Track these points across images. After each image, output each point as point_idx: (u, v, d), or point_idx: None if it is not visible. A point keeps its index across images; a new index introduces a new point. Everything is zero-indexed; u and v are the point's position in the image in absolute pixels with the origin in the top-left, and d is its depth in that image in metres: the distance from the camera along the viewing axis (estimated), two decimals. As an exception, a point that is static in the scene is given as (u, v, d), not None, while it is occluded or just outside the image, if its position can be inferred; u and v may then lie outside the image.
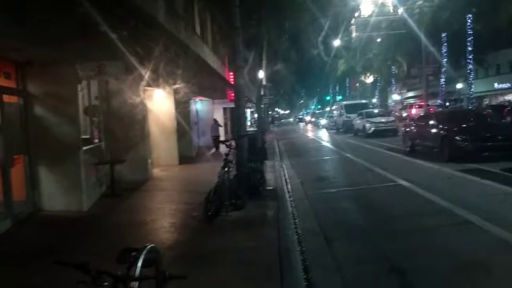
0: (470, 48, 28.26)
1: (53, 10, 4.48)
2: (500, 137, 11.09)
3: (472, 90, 29.66)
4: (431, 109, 24.46)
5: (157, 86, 11.68)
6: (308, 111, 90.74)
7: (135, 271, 2.33)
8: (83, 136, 8.34)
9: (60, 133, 7.47)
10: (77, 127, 7.74)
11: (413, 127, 14.98)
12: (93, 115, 9.66)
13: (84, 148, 8.09)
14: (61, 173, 7.50)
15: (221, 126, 20.50)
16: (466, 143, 11.15)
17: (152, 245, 2.79)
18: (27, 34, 5.42)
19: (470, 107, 28.34)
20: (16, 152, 7.04)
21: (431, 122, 13.37)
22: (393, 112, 35.65)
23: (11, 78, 6.98)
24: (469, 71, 29.43)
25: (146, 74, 8.54)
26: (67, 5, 4.25)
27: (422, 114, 19.46)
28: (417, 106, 32.87)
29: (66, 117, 7.55)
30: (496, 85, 34.01)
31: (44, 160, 7.47)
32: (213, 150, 18.14)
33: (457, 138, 11.43)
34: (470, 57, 28.74)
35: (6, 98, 6.68)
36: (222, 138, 19.77)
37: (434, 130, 12.85)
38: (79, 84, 8.11)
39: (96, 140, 9.68)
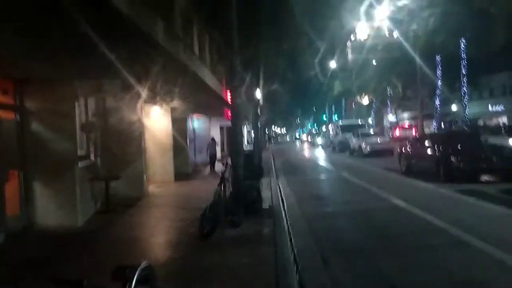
0: (464, 71, 28.72)
1: (52, 29, 4.55)
2: (495, 158, 11.18)
3: (467, 112, 29.99)
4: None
5: (154, 103, 11.77)
6: (305, 130, 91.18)
7: None
8: (80, 152, 8.33)
9: (56, 149, 7.46)
10: (74, 144, 7.73)
11: (409, 147, 15.08)
12: (90, 132, 9.67)
13: (80, 164, 8.07)
14: (56, 189, 7.46)
15: (218, 145, 20.33)
16: (461, 164, 11.23)
17: (147, 262, 2.78)
18: (26, 51, 5.48)
19: (464, 129, 28.59)
20: (11, 167, 7.01)
21: (427, 142, 13.48)
22: (390, 132, 36.01)
23: (8, 94, 7.03)
24: (463, 93, 29.82)
25: (144, 92, 8.61)
26: (67, 25, 4.31)
27: (416, 136, 19.61)
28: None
29: (63, 134, 7.56)
30: (490, 107, 34.42)
31: (40, 176, 7.45)
32: (209, 170, 17.83)
33: (452, 158, 11.51)
34: (464, 79, 29.18)
35: (2, 114, 6.70)
36: (218, 155, 19.83)
37: (429, 151, 12.94)
38: (76, 101, 8.16)
39: (92, 156, 9.66)
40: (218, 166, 16.48)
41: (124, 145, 10.56)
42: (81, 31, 4.33)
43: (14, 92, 7.16)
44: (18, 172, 7.25)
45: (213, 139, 19.65)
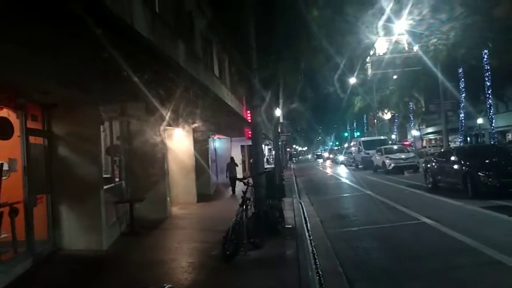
0: (488, 83, 28.12)
1: (78, 54, 4.73)
2: (525, 172, 10.77)
3: (493, 125, 29.21)
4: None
5: (177, 125, 11.96)
6: (326, 147, 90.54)
7: (154, 311, 2.32)
8: (104, 175, 8.49)
9: (82, 173, 7.63)
10: (99, 167, 7.90)
11: (434, 163, 14.72)
12: (115, 154, 9.87)
13: (105, 187, 8.22)
14: (82, 212, 7.59)
15: (237, 165, 18.31)
16: (490, 179, 10.86)
17: (170, 285, 2.78)
18: (54, 78, 5.70)
19: (492, 142, 27.82)
20: (40, 191, 7.18)
21: (453, 158, 13.13)
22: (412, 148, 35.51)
23: (37, 120, 7.27)
24: (488, 106, 29.12)
25: (167, 115, 8.77)
26: (92, 50, 4.47)
27: (443, 150, 19.14)
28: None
29: (88, 157, 7.73)
30: (518, 119, 33.48)
31: (66, 199, 7.60)
32: (230, 192, 16.79)
33: (480, 173, 11.16)
34: (489, 92, 28.54)
35: (32, 139, 6.93)
36: (240, 176, 18.83)
37: (456, 166, 12.59)
38: (101, 125, 8.37)
39: (117, 179, 9.83)
40: (239, 188, 15.58)
41: (147, 167, 10.72)
42: (105, 55, 4.48)
43: (42, 117, 7.40)
44: (46, 196, 7.43)
45: (232, 159, 18.17)
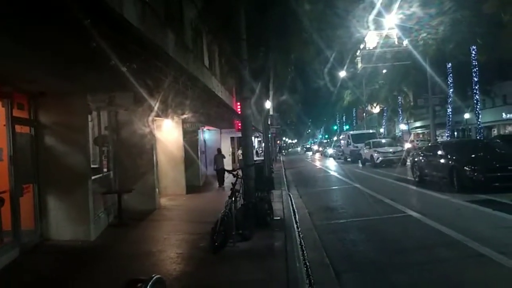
0: (476, 79, 28.44)
1: (66, 43, 4.64)
2: (510, 167, 10.96)
3: (480, 120, 29.62)
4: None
5: (166, 116, 11.87)
6: (315, 140, 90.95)
7: (142, 302, 2.31)
8: (92, 166, 8.41)
9: (69, 163, 7.55)
10: (87, 157, 7.82)
11: (421, 157, 14.90)
12: (103, 145, 9.78)
13: (93, 177, 8.15)
14: (69, 203, 7.53)
15: (225, 157, 17.57)
16: (475, 173, 11.04)
17: (158, 276, 2.77)
18: (41, 66, 5.60)
19: (478, 137, 28.23)
20: (26, 181, 7.10)
21: (439, 152, 13.30)
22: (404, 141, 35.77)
23: (23, 108, 7.15)
24: (475, 101, 29.48)
25: (155, 105, 8.70)
26: (80, 39, 4.40)
27: (430, 144, 19.38)
28: None
29: (76, 147, 7.65)
30: (504, 115, 33.92)
31: (53, 189, 7.53)
32: (218, 186, 16.13)
33: (466, 168, 11.34)
34: (477, 87, 28.88)
35: (18, 128, 6.82)
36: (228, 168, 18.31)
37: (442, 160, 12.77)
38: (89, 115, 8.27)
39: (105, 170, 9.75)
40: (229, 179, 15.42)
41: (136, 158, 10.65)
42: (93, 45, 4.41)
43: (28, 106, 7.29)
44: (33, 186, 7.34)
45: (219, 151, 17.42)
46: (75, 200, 7.55)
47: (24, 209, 6.87)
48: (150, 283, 2.63)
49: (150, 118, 10.25)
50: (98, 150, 9.60)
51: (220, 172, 16.01)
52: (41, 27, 4.07)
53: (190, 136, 15.84)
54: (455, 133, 35.12)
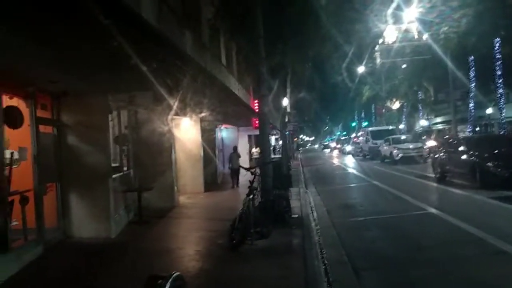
0: (499, 72, 27.67)
1: (86, 43, 4.74)
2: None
3: (503, 114, 28.83)
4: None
5: (184, 115, 11.98)
6: (333, 137, 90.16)
7: (162, 298, 2.35)
8: (113, 164, 8.56)
9: (91, 162, 7.71)
10: (108, 156, 7.97)
11: (442, 153, 14.61)
12: (123, 143, 9.94)
13: (114, 176, 8.30)
14: (91, 201, 7.69)
15: (240, 156, 16.73)
16: (498, 169, 10.77)
17: (178, 273, 2.82)
18: (63, 67, 5.73)
19: (502, 132, 27.50)
20: (49, 180, 7.28)
21: (461, 148, 13.02)
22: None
23: (47, 109, 7.33)
24: (499, 95, 28.69)
25: (174, 104, 8.79)
26: (100, 39, 4.49)
27: (451, 140, 19.00)
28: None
29: (97, 146, 7.81)
30: (529, 109, 32.94)
31: (75, 188, 7.70)
32: (232, 186, 15.52)
33: (489, 164, 11.07)
34: (500, 81, 28.10)
35: (42, 128, 7.00)
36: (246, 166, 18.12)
37: (464, 156, 12.49)
38: (110, 114, 8.42)
39: (125, 168, 9.91)
40: (246, 177, 14.66)
41: (155, 157, 10.79)
42: (114, 45, 4.49)
43: (51, 106, 7.47)
44: (56, 185, 7.53)
45: (235, 149, 16.76)
46: (96, 198, 7.71)
47: (47, 208, 7.05)
48: (170, 280, 2.68)
49: (169, 117, 10.36)
50: (118, 149, 9.77)
51: (235, 172, 15.54)
52: (61, 27, 4.16)
53: (207, 135, 15.94)
54: (477, 128, 34.24)
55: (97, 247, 7.15)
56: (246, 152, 23.96)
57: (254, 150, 24.12)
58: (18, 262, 5.86)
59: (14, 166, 6.27)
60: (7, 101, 6.12)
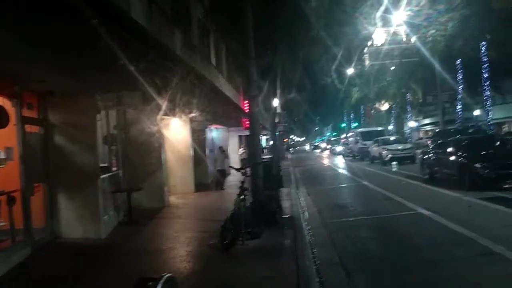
0: (486, 75, 28.11)
1: (74, 43, 4.66)
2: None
3: (490, 116, 29.28)
4: None
5: (174, 115, 11.88)
6: (323, 138, 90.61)
7: (154, 301, 2.31)
8: (102, 165, 8.45)
9: (79, 162, 7.60)
10: (96, 156, 7.86)
11: (431, 154, 14.75)
12: (112, 143, 9.82)
13: (102, 176, 8.19)
14: (79, 201, 7.58)
15: (227, 157, 16.15)
16: (486, 171, 10.90)
17: (169, 274, 2.77)
18: (50, 66, 5.63)
19: (489, 134, 27.92)
20: (36, 180, 7.16)
21: (450, 149, 13.16)
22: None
23: (33, 108, 7.21)
24: (486, 97, 29.14)
25: (163, 104, 8.71)
26: (88, 39, 4.41)
27: (440, 141, 19.21)
28: None
29: (85, 146, 7.70)
30: (514, 111, 33.52)
31: (63, 188, 7.58)
32: (220, 187, 14.69)
33: (477, 165, 11.20)
34: (487, 83, 28.54)
35: (28, 127, 6.87)
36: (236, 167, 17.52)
37: (452, 157, 12.62)
38: (98, 114, 8.31)
39: (114, 168, 9.79)
40: (229, 184, 14.05)
41: (144, 157, 10.69)
42: (101, 44, 4.42)
43: (38, 106, 7.34)
44: (43, 185, 7.40)
45: (221, 149, 16.20)
46: (85, 199, 7.60)
47: (35, 208, 6.93)
48: (161, 281, 2.63)
49: (158, 117, 10.28)
50: (107, 149, 9.64)
51: (222, 173, 14.97)
52: (49, 26, 4.08)
53: (198, 135, 15.85)
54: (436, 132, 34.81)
55: (86, 248, 7.04)
56: (238, 152, 23.91)
57: (241, 150, 24.07)
58: (6, 263, 5.75)
59: (0, 166, 6.14)
60: (-8, 100, 5.99)
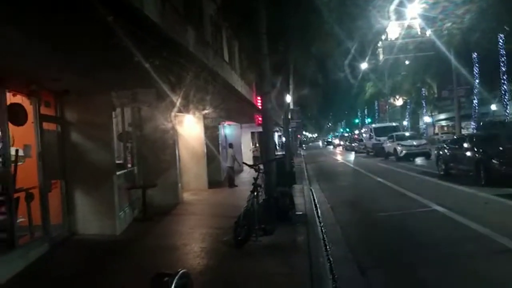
0: (504, 68, 27.52)
1: (89, 41, 4.73)
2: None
3: (508, 111, 28.70)
4: None
5: (187, 112, 11.97)
6: (336, 134, 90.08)
7: (169, 296, 2.35)
8: (117, 161, 8.57)
9: (95, 159, 7.71)
10: (111, 153, 7.97)
11: (446, 150, 14.55)
12: (127, 141, 9.94)
13: (118, 173, 8.30)
14: (95, 198, 7.70)
15: (235, 155, 15.60)
16: (504, 167, 10.70)
17: (184, 270, 2.81)
18: (66, 65, 5.72)
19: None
20: (54, 177, 7.29)
21: (466, 144, 12.96)
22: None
23: (50, 106, 7.34)
24: (503, 92, 28.56)
25: (177, 101, 8.78)
26: (103, 37, 4.47)
27: (456, 137, 18.92)
28: None
29: (100, 143, 7.81)
30: (533, 105, 32.75)
31: (80, 185, 7.71)
32: (234, 184, 14.54)
33: (494, 161, 11.01)
34: (504, 77, 27.95)
35: (45, 125, 7.00)
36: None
37: (468, 153, 12.43)
38: (113, 111, 8.42)
39: (129, 165, 9.92)
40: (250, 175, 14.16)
41: (159, 154, 10.79)
42: (115, 43, 4.47)
43: (55, 104, 7.47)
44: (60, 182, 7.54)
45: (231, 146, 15.87)
46: (101, 195, 7.71)
47: (53, 205, 7.06)
48: (176, 277, 2.68)
49: (172, 114, 10.36)
50: (122, 146, 9.77)
51: (231, 171, 14.78)
52: (63, 26, 4.15)
53: (211, 132, 15.93)
54: (481, 125, 34.17)
55: (102, 244, 7.16)
56: (250, 149, 23.94)
57: (252, 147, 24.07)
58: (25, 259, 5.88)
59: (19, 163, 6.27)
60: (11, 99, 6.12)
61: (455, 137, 19.84)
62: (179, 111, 10.63)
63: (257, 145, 25.90)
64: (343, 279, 4.94)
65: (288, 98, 21.97)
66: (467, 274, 4.92)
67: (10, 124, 6.04)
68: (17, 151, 6.29)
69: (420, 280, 4.89)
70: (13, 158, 6.07)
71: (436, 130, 47.20)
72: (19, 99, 6.35)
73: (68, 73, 6.21)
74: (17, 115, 6.26)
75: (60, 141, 7.61)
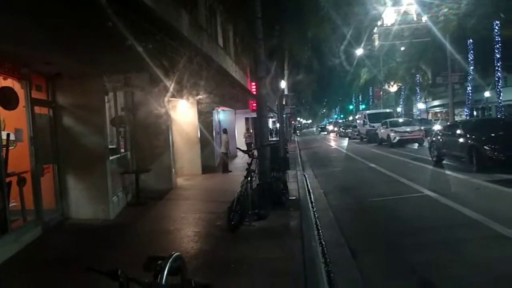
0: (498, 55, 27.52)
1: (82, 24, 4.64)
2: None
3: (501, 98, 28.81)
4: None
5: (181, 97, 11.88)
6: (331, 120, 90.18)
7: (162, 278, 2.36)
8: (110, 146, 8.53)
9: (87, 143, 7.67)
10: (104, 137, 7.92)
11: (439, 137, 14.64)
12: (120, 125, 9.88)
13: (111, 157, 8.27)
14: (88, 182, 7.68)
15: (228, 140, 15.45)
16: (495, 153, 10.81)
17: (177, 253, 2.82)
18: (58, 48, 5.63)
19: (499, 116, 27.54)
20: (46, 161, 7.25)
21: (458, 131, 13.04)
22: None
23: (42, 90, 7.25)
24: (497, 78, 28.61)
25: (171, 86, 8.71)
26: (96, 19, 4.39)
27: (449, 123, 19.00)
28: None
29: (93, 128, 7.75)
30: (527, 93, 32.89)
31: (72, 170, 7.68)
32: (227, 169, 14.43)
33: (486, 147, 11.10)
34: (499, 64, 27.97)
35: (37, 109, 6.93)
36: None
37: (461, 140, 12.52)
38: (106, 96, 8.33)
39: (122, 150, 9.88)
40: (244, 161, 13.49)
41: (152, 139, 10.76)
42: (109, 25, 4.40)
43: (47, 88, 7.38)
44: (53, 166, 7.50)
45: (225, 132, 15.72)
46: (94, 180, 7.70)
47: (45, 189, 7.04)
48: (170, 260, 2.69)
49: (166, 99, 10.28)
50: (115, 130, 9.71)
51: (224, 157, 14.76)
52: (55, 7, 4.06)
53: (205, 117, 15.87)
54: (475, 112, 34.32)
55: (95, 228, 7.17)
56: (242, 135, 23.93)
57: (245, 133, 24.04)
58: (18, 243, 5.89)
59: (10, 148, 6.22)
60: (1, 82, 6.03)
61: (448, 123, 19.94)
62: (173, 96, 10.56)
63: (250, 131, 25.82)
64: (335, 263, 5.00)
65: (283, 84, 21.90)
66: (459, 257, 4.98)
67: (1, 108, 5.96)
68: (8, 135, 6.23)
69: (411, 263, 4.96)
70: (4, 142, 6.01)
71: (430, 117, 47.34)
72: (10, 82, 6.27)
73: (59, 57, 6.12)
74: (8, 99, 6.18)
75: (52, 126, 7.54)
